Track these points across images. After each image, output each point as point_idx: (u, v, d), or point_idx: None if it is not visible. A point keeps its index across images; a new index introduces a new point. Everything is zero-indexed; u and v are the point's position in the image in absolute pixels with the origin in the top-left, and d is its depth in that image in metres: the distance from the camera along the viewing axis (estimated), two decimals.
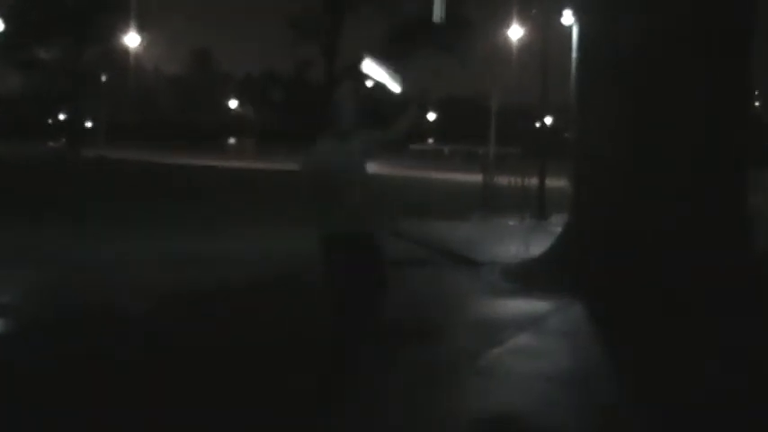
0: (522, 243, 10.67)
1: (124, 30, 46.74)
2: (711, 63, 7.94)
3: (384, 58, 5.01)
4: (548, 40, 17.21)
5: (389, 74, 4.80)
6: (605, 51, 8.41)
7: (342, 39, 41.51)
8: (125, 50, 50.01)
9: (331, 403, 4.42)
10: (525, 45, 37.54)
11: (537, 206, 15.64)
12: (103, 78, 54.60)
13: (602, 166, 8.37)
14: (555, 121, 49.22)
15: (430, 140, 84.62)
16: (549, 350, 5.94)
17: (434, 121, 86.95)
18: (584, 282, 7.73)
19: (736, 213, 8.10)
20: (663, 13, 7.97)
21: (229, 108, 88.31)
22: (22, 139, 55.16)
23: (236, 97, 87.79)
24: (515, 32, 37.84)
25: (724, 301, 7.03)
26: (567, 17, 20.53)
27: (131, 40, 47.21)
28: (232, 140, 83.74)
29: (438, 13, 12.17)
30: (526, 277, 8.46)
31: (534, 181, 16.42)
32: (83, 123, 60.13)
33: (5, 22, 43.08)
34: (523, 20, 36.58)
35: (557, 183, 15.59)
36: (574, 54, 8.90)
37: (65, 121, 62.65)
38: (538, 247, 9.67)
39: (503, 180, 18.02)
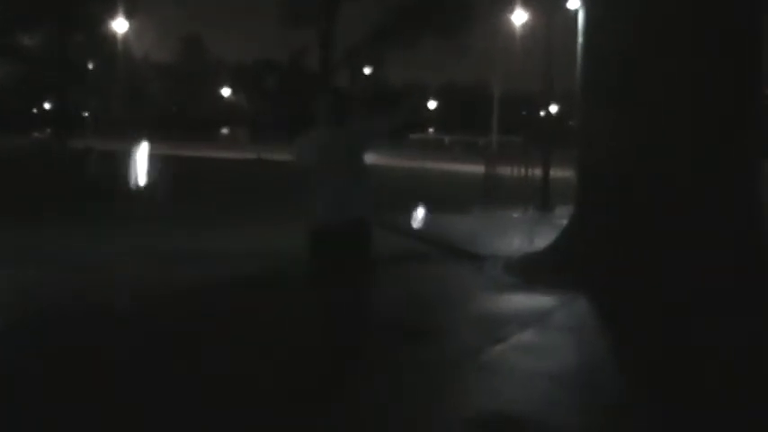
0: (526, 236, 10.61)
1: (112, 15, 45.02)
2: (715, 54, 7.83)
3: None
4: (552, 26, 16.84)
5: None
6: (610, 38, 8.29)
7: (337, 26, 41.27)
8: (113, 37, 48.21)
9: (331, 403, 4.38)
10: (529, 30, 37.17)
11: (541, 197, 15.42)
12: (90, 66, 52.71)
13: (606, 156, 8.27)
14: (560, 109, 48.96)
15: (430, 130, 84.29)
16: (552, 347, 5.88)
17: (434, 109, 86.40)
18: (588, 276, 7.66)
19: (740, 207, 8.00)
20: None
21: (222, 96, 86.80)
22: (3, 130, 52.37)
23: (229, 85, 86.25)
24: (519, 17, 37.39)
25: (725, 300, 6.96)
26: (573, 1, 20.30)
27: (119, 26, 45.67)
28: (225, 130, 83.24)
29: None
30: (530, 272, 8.36)
31: (538, 171, 16.18)
32: (69, 113, 56.91)
33: None
34: (527, 4, 36.16)
35: (561, 173, 15.28)
36: (579, 40, 8.75)
37: (50, 111, 60.20)
38: (542, 240, 9.60)
39: (505, 170, 17.87)
